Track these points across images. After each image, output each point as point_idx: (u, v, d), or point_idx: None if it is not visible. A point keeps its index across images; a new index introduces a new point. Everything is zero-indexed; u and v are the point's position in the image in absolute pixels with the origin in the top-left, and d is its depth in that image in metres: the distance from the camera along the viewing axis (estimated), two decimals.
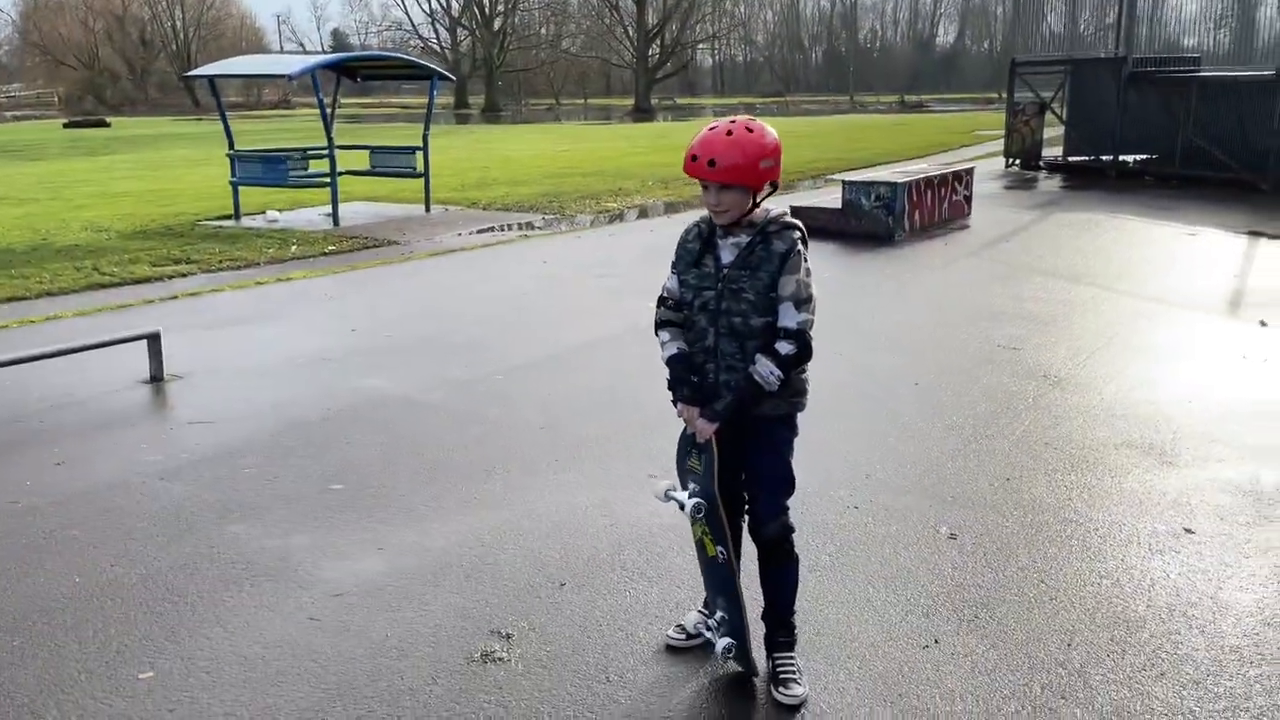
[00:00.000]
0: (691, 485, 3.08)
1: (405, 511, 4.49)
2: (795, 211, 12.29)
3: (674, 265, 3.15)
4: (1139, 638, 3.43)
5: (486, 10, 71.29)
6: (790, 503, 3.16)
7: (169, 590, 3.81)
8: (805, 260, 2.95)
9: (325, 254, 11.91)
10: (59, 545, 4.20)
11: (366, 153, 16.84)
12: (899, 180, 12.26)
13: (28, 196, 17.85)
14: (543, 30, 79.06)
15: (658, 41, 71.64)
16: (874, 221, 12.03)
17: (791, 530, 3.17)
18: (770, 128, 2.93)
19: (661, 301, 3.19)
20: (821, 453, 5.07)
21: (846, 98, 75.38)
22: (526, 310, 8.57)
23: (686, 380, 3.05)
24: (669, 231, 13.52)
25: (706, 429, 2.98)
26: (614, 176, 20.59)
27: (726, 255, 2.99)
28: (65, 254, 11.66)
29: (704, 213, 3.06)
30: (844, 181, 12.74)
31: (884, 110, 58.47)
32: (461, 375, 6.57)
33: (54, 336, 7.40)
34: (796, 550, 3.21)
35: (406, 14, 79.22)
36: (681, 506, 3.09)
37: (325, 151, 14.76)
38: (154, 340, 6.47)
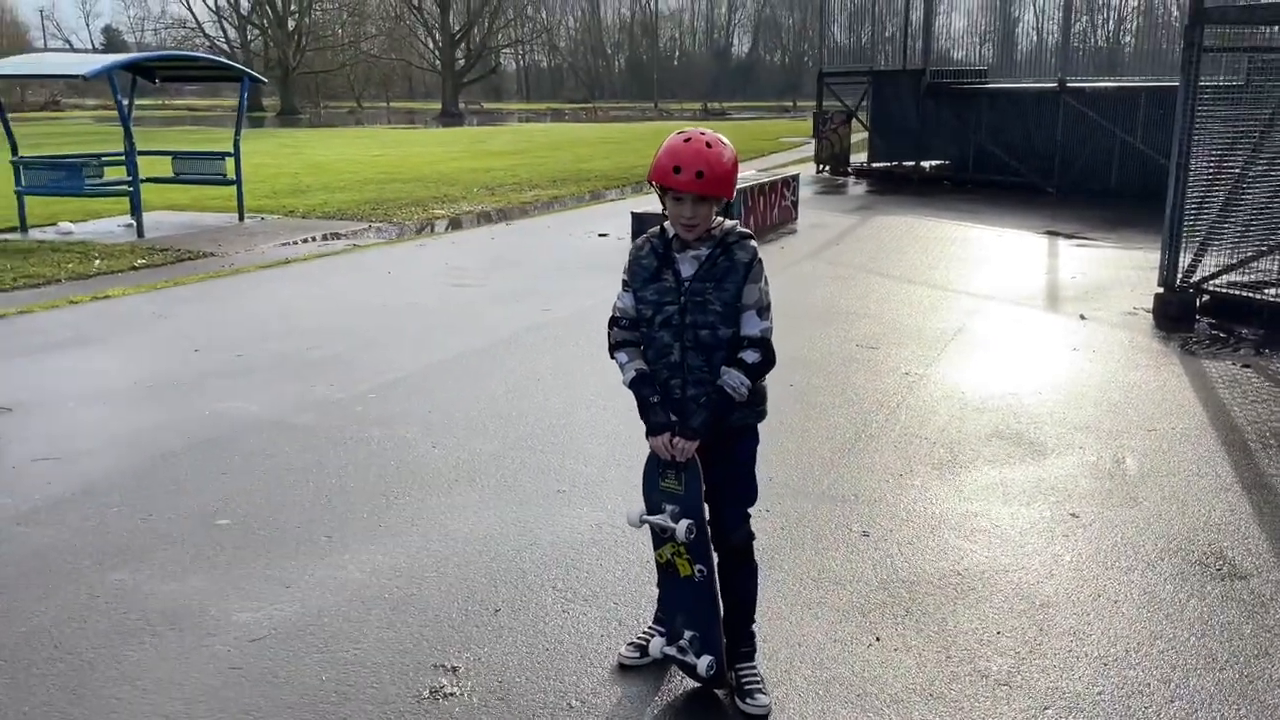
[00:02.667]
0: (670, 508, 3.04)
1: (306, 545, 4.22)
2: (637, 218, 12.46)
3: (627, 283, 3.10)
4: (1052, 620, 3.65)
5: (279, 8, 68.16)
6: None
7: (59, 648, 3.43)
8: (764, 275, 3.01)
9: (135, 269, 11.07)
10: None
11: (169, 159, 15.78)
12: (737, 187, 12.59)
13: None
14: (340, 30, 76.36)
15: (463, 45, 70.70)
16: None
17: (753, 538, 3.20)
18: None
19: (614, 322, 3.13)
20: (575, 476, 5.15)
21: (651, 104, 76.83)
22: (385, 323, 8.24)
23: (655, 404, 3.01)
24: (509, 239, 13.44)
25: (688, 448, 2.96)
26: (436, 183, 20.16)
27: (687, 268, 2.98)
28: None
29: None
30: None
31: (689, 117, 59.98)
32: (331, 394, 6.24)
33: None
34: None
35: (190, 10, 73.92)
36: (661, 531, 3.05)
37: (122, 158, 13.73)
38: None
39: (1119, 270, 10.53)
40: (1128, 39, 23.27)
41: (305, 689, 3.21)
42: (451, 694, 3.19)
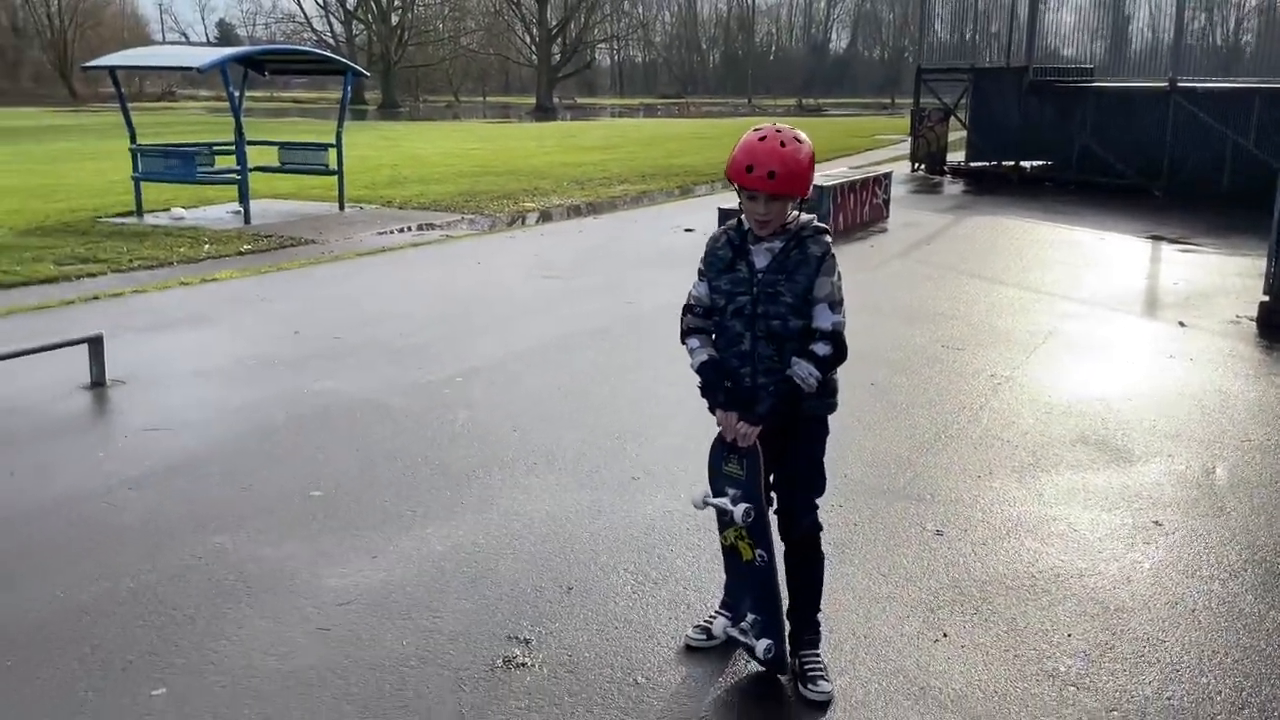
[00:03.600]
0: (732, 491, 3.12)
1: (392, 518, 4.41)
2: (723, 214, 12.51)
3: (702, 272, 3.18)
4: (1124, 624, 3.61)
5: (383, 4, 69.88)
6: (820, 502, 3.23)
7: (163, 603, 3.67)
8: (836, 262, 3.05)
9: (241, 253, 11.55)
10: (31, 559, 4.00)
11: (275, 149, 16.37)
12: (825, 184, 12.54)
13: None
14: (440, 25, 77.93)
15: (559, 40, 71.41)
16: None
17: (821, 529, 3.25)
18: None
19: (689, 309, 3.22)
20: (643, 462, 5.18)
21: (745, 100, 76.47)
22: (473, 311, 8.48)
23: (721, 386, 3.09)
24: (596, 233, 13.62)
25: (750, 433, 3.03)
26: (528, 176, 20.47)
27: (760, 260, 3.05)
28: None
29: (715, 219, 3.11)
30: None
31: (782, 113, 59.50)
32: (420, 377, 6.46)
33: None
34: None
35: (299, 6, 76.28)
36: (724, 513, 3.13)
37: (232, 147, 14.31)
38: (96, 344, 6.19)
39: (1224, 277, 10.17)
40: (1247, 38, 22.38)
41: (387, 652, 3.38)
42: (523, 664, 3.32)
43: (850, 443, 5.38)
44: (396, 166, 22.17)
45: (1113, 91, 18.71)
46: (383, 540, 4.19)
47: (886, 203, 14.37)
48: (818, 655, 3.25)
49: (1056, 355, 7.23)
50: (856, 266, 10.86)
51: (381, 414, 5.75)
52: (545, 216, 15.45)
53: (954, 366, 6.89)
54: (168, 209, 14.38)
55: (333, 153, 15.41)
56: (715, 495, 3.18)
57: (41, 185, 17.58)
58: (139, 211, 14.14)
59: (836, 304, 3.02)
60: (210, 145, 15.74)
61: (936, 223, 14.18)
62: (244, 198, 13.95)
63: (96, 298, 8.89)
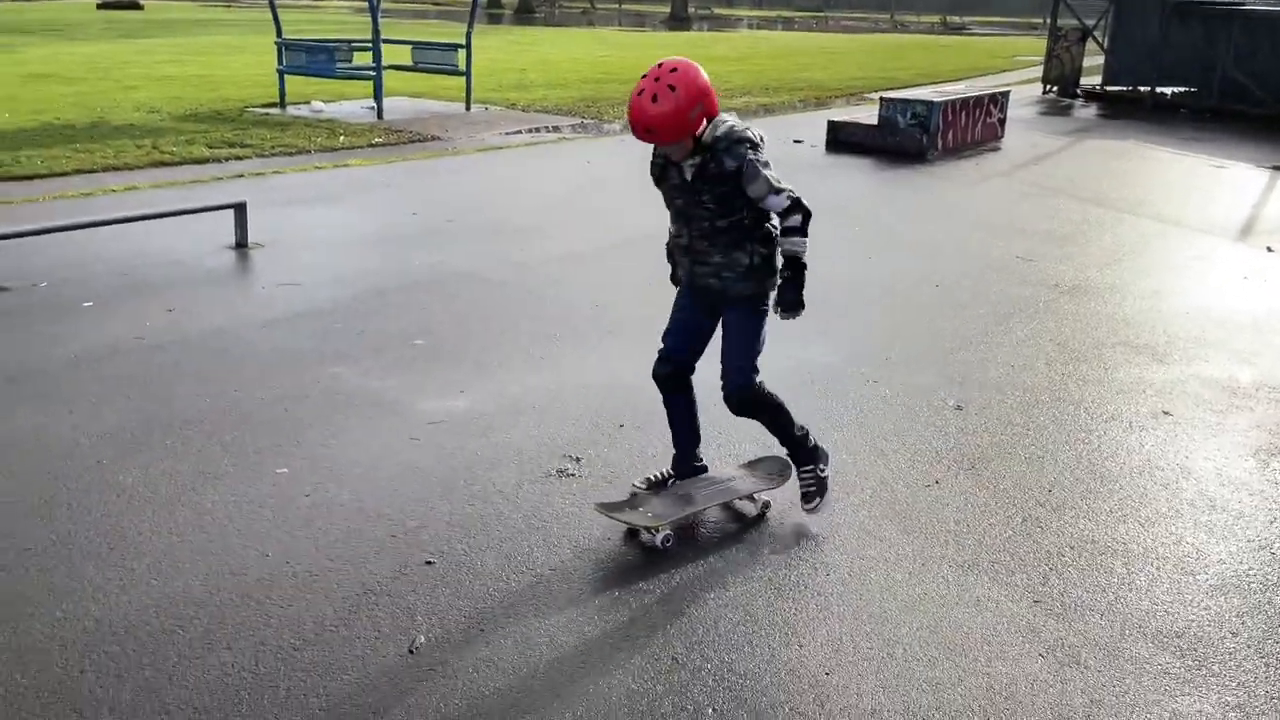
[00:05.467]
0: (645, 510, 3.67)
1: (481, 365, 5.14)
2: (832, 126, 12.71)
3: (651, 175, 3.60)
4: (1109, 488, 4.06)
5: None
6: (759, 365, 3.59)
7: (287, 412, 4.49)
8: (759, 159, 3.29)
9: (372, 145, 12.39)
10: (185, 374, 4.87)
11: (409, 48, 17.12)
12: (935, 99, 12.58)
13: (76, 76, 18.24)
14: None
15: None
16: (908, 139, 12.40)
17: (748, 386, 3.56)
18: (693, 68, 3.21)
19: None
20: (847, 337, 5.70)
21: (887, 16, 73.83)
22: (577, 205, 9.11)
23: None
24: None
25: (793, 317, 3.43)
26: None
27: (689, 173, 3.37)
28: (124, 132, 12.16)
29: None
30: (881, 98, 13.07)
31: (925, 30, 57.45)
32: (521, 257, 7.16)
33: (140, 204, 8.01)
34: (778, 399, 3.65)
35: None
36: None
37: (370, 45, 15.10)
38: (240, 210, 7.08)
39: None
40: None
41: (465, 458, 4.11)
42: (573, 474, 4.01)
43: (900, 334, 5.84)
44: (524, 70, 22.77)
45: (1263, 16, 17.77)
46: (470, 380, 4.92)
47: (1002, 122, 14.24)
48: (809, 470, 3.74)
49: (1129, 270, 7.43)
50: (953, 182, 11.02)
51: (481, 284, 6.47)
52: None
53: (1022, 275, 7.18)
54: (308, 102, 15.36)
55: (462, 54, 16.07)
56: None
57: (196, 75, 18.87)
58: (282, 103, 15.14)
59: (776, 189, 3.29)
60: (349, 42, 16.61)
61: (1052, 145, 14.03)
62: (378, 94, 14.80)
63: (242, 176, 9.86)
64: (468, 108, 15.94)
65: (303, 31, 22.52)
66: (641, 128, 3.18)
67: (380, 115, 14.52)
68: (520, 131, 14.12)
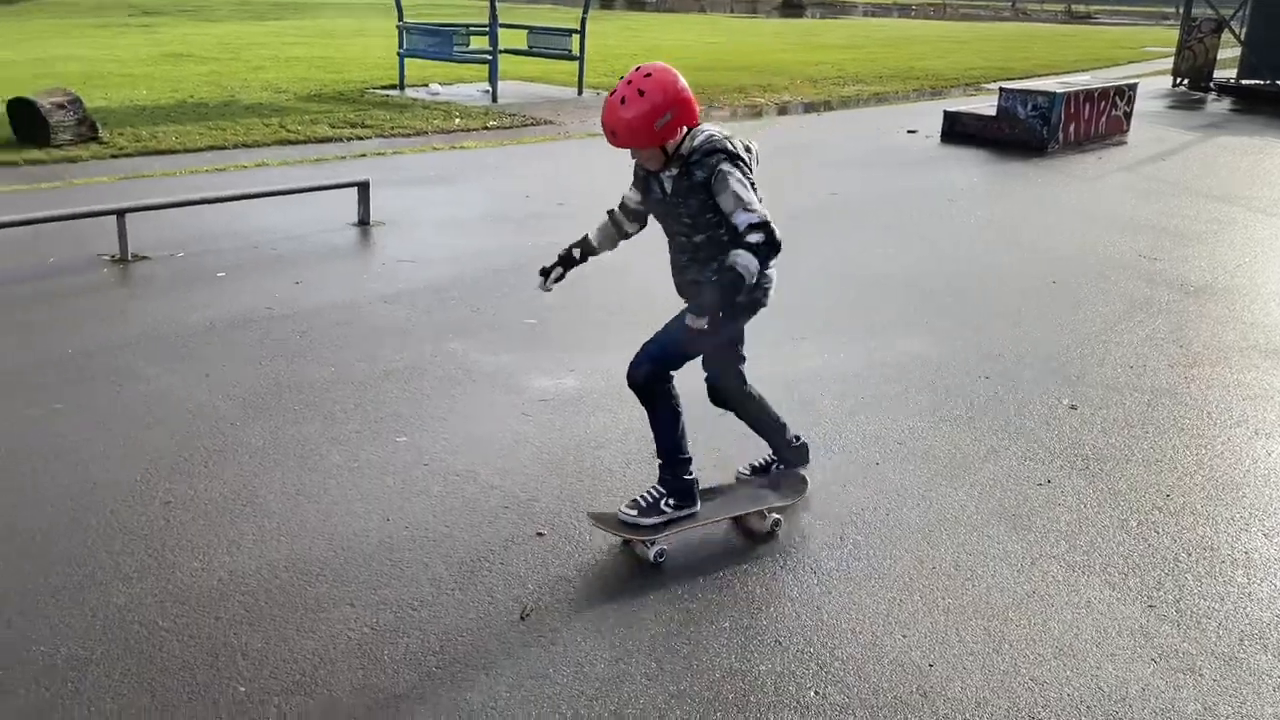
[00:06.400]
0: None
1: (592, 346, 5.24)
2: (948, 116, 12.44)
3: (633, 184, 3.53)
4: (1232, 496, 3.92)
5: None
6: (666, 360, 3.45)
7: (406, 384, 4.66)
8: (732, 173, 3.11)
9: (487, 128, 12.65)
10: (311, 344, 5.10)
11: (524, 33, 17.37)
12: (1058, 90, 12.20)
13: (210, 56, 19.06)
14: None
15: None
16: (1028, 131, 12.07)
17: (648, 379, 3.43)
18: (669, 75, 3.07)
19: (621, 205, 3.66)
20: (957, 331, 5.62)
21: (1008, 4, 71.60)
22: None
23: (559, 257, 3.79)
24: (817, 129, 13.91)
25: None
26: (762, 72, 20.65)
27: (668, 185, 3.26)
28: (253, 111, 12.68)
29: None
30: (1001, 88, 12.74)
31: (1048, 20, 55.54)
32: (629, 243, 7.21)
33: (268, 180, 8.36)
34: (675, 412, 3.49)
35: None
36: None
37: (487, 29, 15.37)
38: (364, 188, 7.34)
39: None
40: None
41: (574, 436, 4.22)
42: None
43: (1013, 330, 5.73)
44: (635, 56, 22.88)
45: None
46: (579, 361, 5.02)
47: (1128, 115, 13.73)
48: (661, 490, 3.44)
49: (1260, 272, 7.11)
50: (1074, 176, 10.69)
51: (590, 267, 6.54)
52: (769, 111, 15.78)
53: (1145, 273, 6.95)
54: (426, 84, 15.75)
55: (576, 39, 16.24)
56: None
57: (320, 57, 19.52)
58: (401, 85, 15.56)
59: (747, 205, 3.09)
60: (467, 26, 16.95)
61: (1179, 140, 13.47)
62: (493, 78, 15.08)
63: (364, 155, 10.20)
64: (580, 92, 16.12)
65: (422, 15, 23.02)
66: (607, 130, 3.09)
67: (495, 99, 14.79)
68: None
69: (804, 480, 3.77)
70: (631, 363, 3.45)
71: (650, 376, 3.43)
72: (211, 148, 10.38)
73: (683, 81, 3.14)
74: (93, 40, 20.69)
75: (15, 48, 18.27)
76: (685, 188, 3.18)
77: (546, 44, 17.12)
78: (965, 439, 4.33)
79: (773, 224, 3.11)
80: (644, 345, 3.48)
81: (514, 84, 16.69)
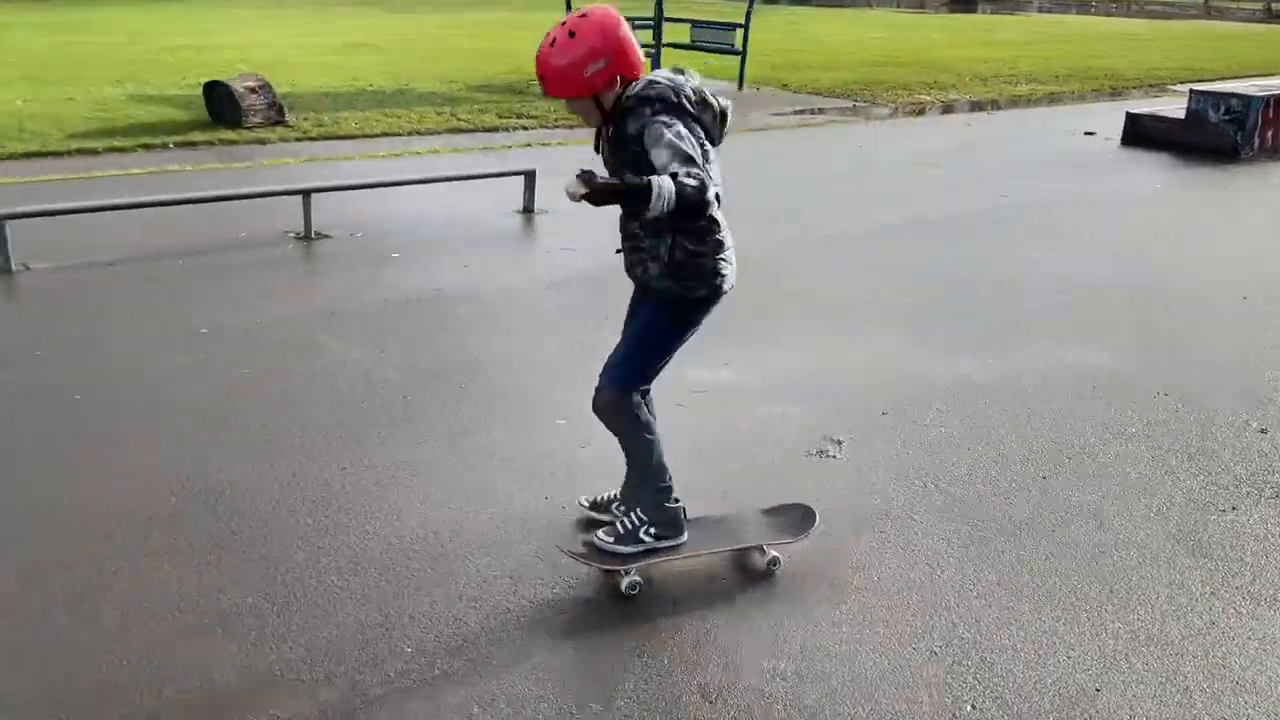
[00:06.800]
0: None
1: (744, 340, 5.22)
2: (1131, 118, 11.80)
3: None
4: None
5: None
6: (636, 378, 3.20)
7: (562, 366, 4.78)
8: (671, 125, 2.71)
9: None
10: (478, 325, 5.29)
11: (687, 26, 17.40)
12: (1255, 94, 11.41)
13: (387, 46, 19.90)
14: None
15: None
16: (1219, 136, 11.32)
17: (608, 397, 3.11)
18: (609, 18, 2.76)
19: None
20: (1136, 344, 5.35)
21: (1200, 1, 67.33)
22: (842, 189, 9.02)
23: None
24: (987, 129, 13.44)
25: (575, 186, 2.56)
26: (929, 68, 20.09)
27: (605, 147, 2.98)
28: (425, 99, 13.17)
29: None
30: (1191, 91, 12.00)
31: (1244, 19, 51.95)
32: (785, 238, 7.19)
33: (439, 167, 8.68)
34: (647, 432, 3.20)
35: None
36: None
37: (651, 22, 15.47)
38: (530, 177, 7.53)
39: None
40: None
41: (729, 429, 4.23)
42: (833, 457, 4.02)
43: (1197, 344, 5.41)
44: (798, 51, 22.63)
45: None
46: (733, 354, 5.02)
47: None
48: (635, 518, 3.17)
49: None
50: (1269, 185, 9.99)
51: (745, 261, 6.49)
52: (936, 109, 15.34)
53: None
54: None
55: (739, 33, 16.19)
56: None
57: (487, 49, 20.11)
58: None
59: (684, 158, 2.65)
60: (632, 20, 17.12)
61: None
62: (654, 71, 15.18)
63: (528, 145, 10.46)
64: (740, 87, 16.07)
65: (577, 6, 23.42)
66: (538, 74, 2.79)
67: None
68: (790, 113, 14.08)
69: (812, 515, 3.33)
70: (596, 386, 3.10)
71: (609, 398, 3.07)
72: (386, 134, 10.85)
73: (626, 28, 2.82)
74: (283, 28, 21.92)
75: (216, 34, 19.56)
76: (620, 141, 2.78)
77: (710, 38, 17.12)
78: (1141, 456, 4.12)
79: (711, 188, 2.62)
80: (607, 360, 3.13)
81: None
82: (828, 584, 3.19)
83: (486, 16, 30.11)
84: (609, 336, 5.16)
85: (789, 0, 54.94)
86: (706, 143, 2.84)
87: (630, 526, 3.16)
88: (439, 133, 11.14)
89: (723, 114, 2.90)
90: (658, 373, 3.17)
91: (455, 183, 7.61)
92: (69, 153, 8.89)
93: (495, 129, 11.60)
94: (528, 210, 7.54)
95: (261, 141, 9.85)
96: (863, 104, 15.31)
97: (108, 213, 6.32)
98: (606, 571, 3.14)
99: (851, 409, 4.46)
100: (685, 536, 3.20)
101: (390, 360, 4.78)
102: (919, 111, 14.92)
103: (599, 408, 3.10)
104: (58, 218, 6.10)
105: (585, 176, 2.55)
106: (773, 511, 3.42)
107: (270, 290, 5.72)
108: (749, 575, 3.24)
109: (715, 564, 3.28)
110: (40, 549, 3.22)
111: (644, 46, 13.88)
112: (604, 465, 3.84)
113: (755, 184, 8.97)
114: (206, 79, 10.98)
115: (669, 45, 16.13)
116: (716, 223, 2.97)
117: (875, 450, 4.09)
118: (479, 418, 4.24)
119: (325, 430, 4.07)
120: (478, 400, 4.40)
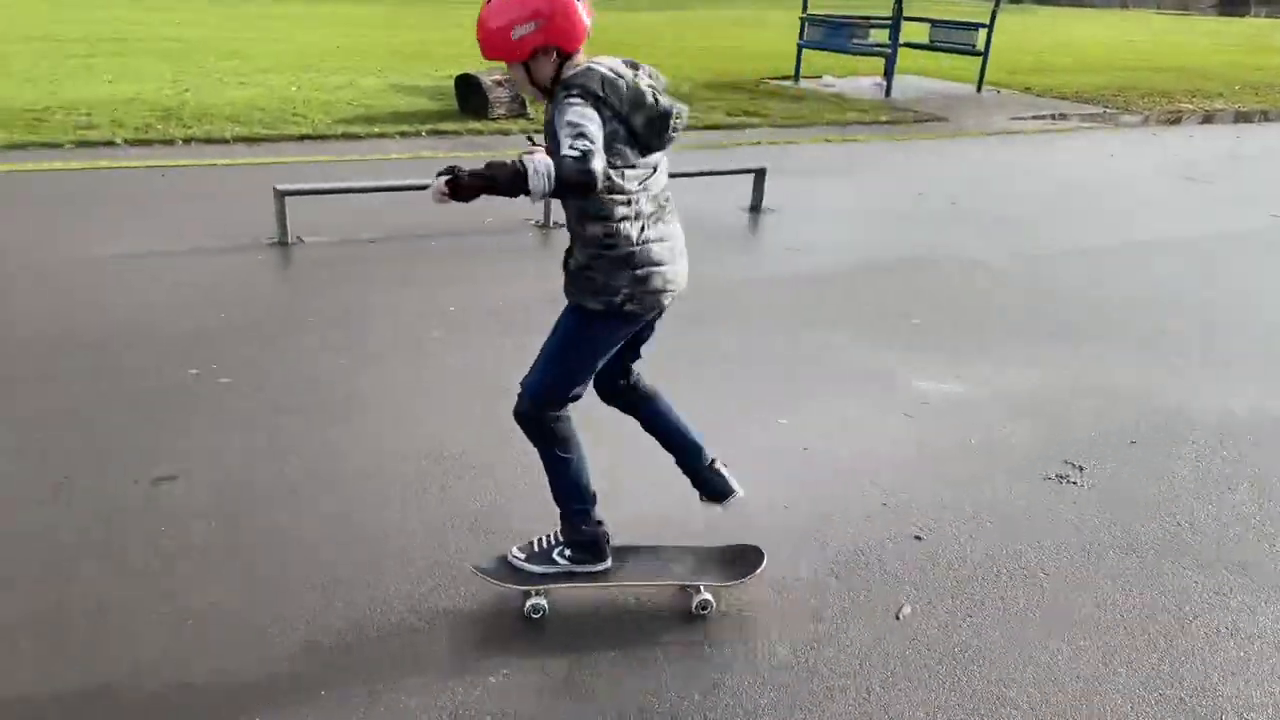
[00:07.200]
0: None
1: (976, 353, 5.03)
2: None
3: None
4: None
5: None
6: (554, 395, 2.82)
7: (788, 367, 4.75)
8: (573, 104, 2.44)
9: (880, 122, 12.47)
10: (702, 320, 5.29)
11: (926, 26, 16.87)
12: None
13: (623, 42, 20.40)
14: None
15: None
16: None
17: (524, 414, 2.83)
18: None
19: None
20: (1244, 363, 4.78)
21: None
22: (1089, 199, 8.51)
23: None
24: (1259, 139, 12.28)
25: (438, 185, 2.35)
26: (1191, 75, 18.64)
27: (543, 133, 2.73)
28: None
29: None
30: None
31: None
32: (1023, 248, 6.86)
33: (673, 164, 8.80)
34: (568, 450, 2.89)
35: None
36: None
37: (888, 22, 15.11)
38: (759, 175, 7.53)
39: None
40: None
41: (958, 443, 4.07)
42: (1074, 483, 3.80)
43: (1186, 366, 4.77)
44: (1043, 54, 21.52)
45: None
46: (964, 366, 4.84)
47: None
48: (559, 543, 2.98)
49: None
50: None
51: (982, 270, 6.31)
52: (1201, 118, 14.19)
53: None
54: (820, 76, 15.81)
55: (982, 33, 15.55)
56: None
57: (719, 47, 20.24)
58: (796, 76, 15.75)
59: (576, 136, 2.35)
60: (869, 19, 16.79)
61: None
62: (889, 72, 14.84)
63: (757, 143, 10.46)
64: (978, 89, 15.47)
65: (826, 7, 23.17)
66: (478, 42, 2.60)
67: (888, 93, 14.56)
68: (1032, 117, 13.40)
69: (759, 557, 3.05)
70: (519, 393, 2.85)
71: (526, 414, 2.82)
72: None
73: None
74: None
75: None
76: (550, 123, 2.54)
77: (950, 38, 16.53)
78: (1235, 490, 3.66)
79: (598, 160, 2.31)
80: (529, 370, 2.86)
81: (907, 78, 16.32)
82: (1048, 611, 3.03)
83: (716, 14, 30.32)
84: (831, 339, 5.13)
85: (1035, 0, 52.33)
86: (623, 141, 2.56)
87: (544, 546, 3.00)
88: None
89: (663, 116, 2.58)
90: (576, 390, 2.85)
91: (689, 179, 7.69)
92: (335, 137, 9.65)
93: (722, 127, 11.66)
94: (755, 208, 7.56)
95: (504, 132, 10.32)
96: (1114, 110, 14.37)
97: (371, 194, 6.82)
98: (531, 592, 2.92)
99: (1095, 435, 4.20)
100: (608, 563, 2.97)
101: None
102: (1174, 120, 13.85)
103: (515, 416, 2.86)
104: (326, 196, 6.64)
105: (447, 171, 2.36)
106: (716, 550, 3.12)
107: (513, 275, 5.98)
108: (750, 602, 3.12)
109: (641, 597, 3.01)
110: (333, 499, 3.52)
111: (880, 46, 13.71)
112: (823, 471, 3.80)
113: (993, 190, 8.61)
114: (457, 73, 11.63)
115: (905, 45, 15.70)
116: (624, 236, 2.66)
117: (1121, 481, 3.84)
118: (699, 410, 4.24)
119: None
120: (698, 394, 4.40)
